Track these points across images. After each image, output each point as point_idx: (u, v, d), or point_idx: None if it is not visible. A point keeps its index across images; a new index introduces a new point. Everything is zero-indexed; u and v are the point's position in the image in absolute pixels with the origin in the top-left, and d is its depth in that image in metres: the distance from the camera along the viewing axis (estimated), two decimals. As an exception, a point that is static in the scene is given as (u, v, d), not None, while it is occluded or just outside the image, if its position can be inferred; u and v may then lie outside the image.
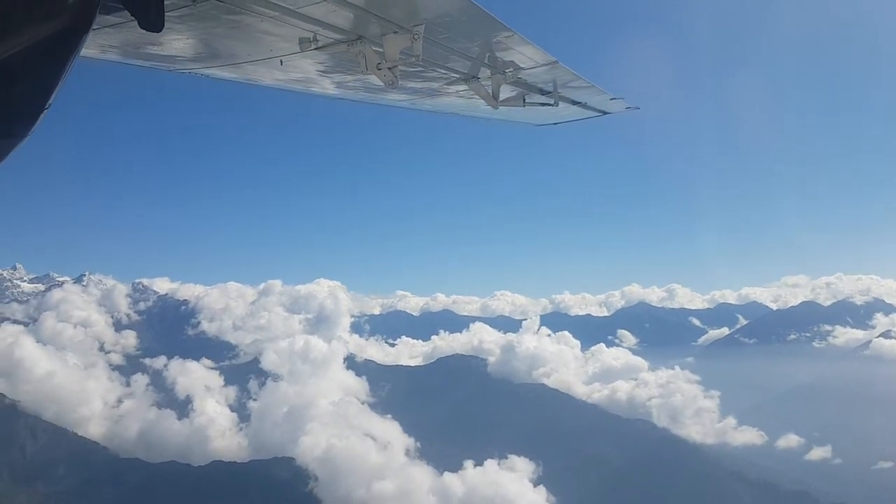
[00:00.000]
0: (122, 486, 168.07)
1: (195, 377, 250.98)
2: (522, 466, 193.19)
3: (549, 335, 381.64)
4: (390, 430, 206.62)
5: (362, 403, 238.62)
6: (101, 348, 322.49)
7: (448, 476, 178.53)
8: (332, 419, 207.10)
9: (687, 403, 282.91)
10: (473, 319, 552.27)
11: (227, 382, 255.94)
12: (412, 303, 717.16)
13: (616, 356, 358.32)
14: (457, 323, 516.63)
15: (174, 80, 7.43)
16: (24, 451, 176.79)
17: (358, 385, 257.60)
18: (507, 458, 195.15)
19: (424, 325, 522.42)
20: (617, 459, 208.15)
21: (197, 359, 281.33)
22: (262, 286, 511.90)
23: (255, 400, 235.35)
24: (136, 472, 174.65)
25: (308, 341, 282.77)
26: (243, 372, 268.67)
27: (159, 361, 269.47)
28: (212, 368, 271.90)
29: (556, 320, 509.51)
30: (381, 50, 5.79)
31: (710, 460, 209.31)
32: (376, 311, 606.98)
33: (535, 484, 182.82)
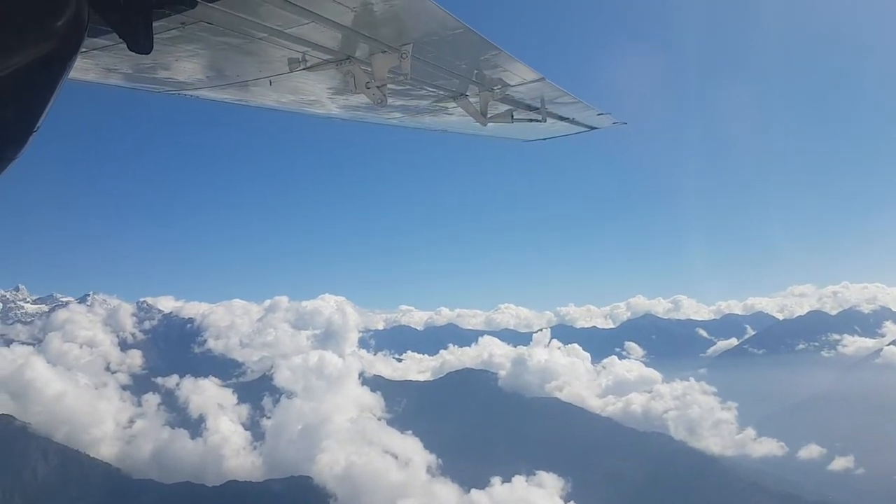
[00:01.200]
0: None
1: (207, 396, 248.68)
2: (551, 483, 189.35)
3: (559, 348, 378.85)
4: (410, 447, 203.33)
5: (378, 420, 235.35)
6: (108, 368, 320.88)
7: (474, 493, 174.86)
8: (350, 436, 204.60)
9: (704, 415, 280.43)
10: (478, 333, 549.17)
11: (240, 400, 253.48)
12: (416, 317, 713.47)
13: (629, 368, 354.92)
14: (462, 337, 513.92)
15: (173, 99, 7.27)
16: (36, 473, 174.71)
17: (373, 401, 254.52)
18: (535, 474, 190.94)
19: (429, 340, 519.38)
20: (636, 473, 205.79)
21: (204, 377, 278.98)
22: (267, 303, 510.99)
23: (268, 418, 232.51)
24: (150, 493, 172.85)
25: (322, 357, 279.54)
26: (255, 389, 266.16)
27: (171, 380, 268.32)
28: (222, 386, 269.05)
29: (562, 333, 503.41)
30: (369, 69, 5.83)
31: (730, 472, 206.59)
32: (380, 326, 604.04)
33: (566, 501, 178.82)
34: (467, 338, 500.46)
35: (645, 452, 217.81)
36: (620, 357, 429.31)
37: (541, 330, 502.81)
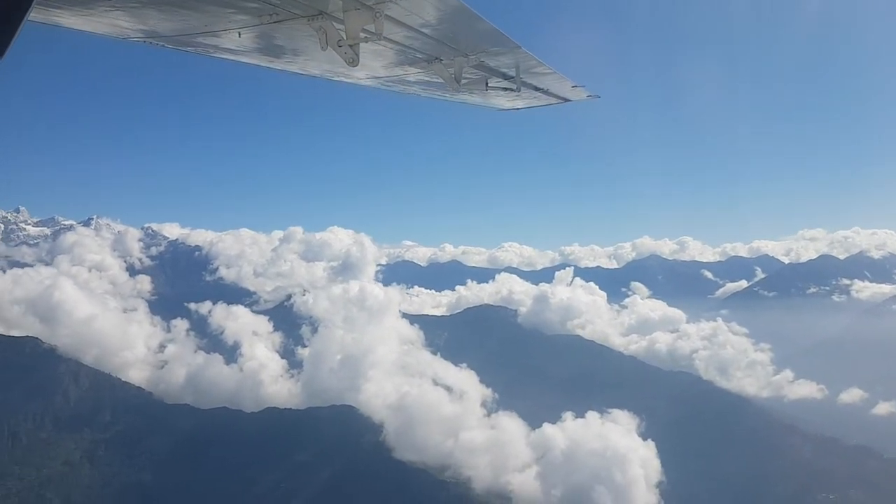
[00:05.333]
0: (173, 433, 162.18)
1: (241, 322, 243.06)
2: (625, 420, 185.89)
3: (581, 286, 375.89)
4: (462, 379, 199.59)
5: (433, 353, 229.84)
6: (117, 292, 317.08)
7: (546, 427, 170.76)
8: (395, 367, 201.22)
9: (736, 356, 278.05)
10: (482, 270, 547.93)
11: (274, 328, 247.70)
12: (419, 253, 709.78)
13: (653, 307, 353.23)
14: (466, 274, 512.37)
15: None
16: (68, 396, 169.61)
17: (413, 333, 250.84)
18: (608, 412, 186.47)
19: (434, 276, 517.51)
20: (665, 412, 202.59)
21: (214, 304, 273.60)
22: (279, 233, 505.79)
23: (305, 346, 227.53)
24: (187, 418, 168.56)
25: (363, 288, 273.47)
26: (287, 318, 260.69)
27: (203, 306, 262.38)
28: (256, 313, 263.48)
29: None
30: (342, 27, 5.71)
31: (765, 414, 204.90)
32: (383, 261, 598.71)
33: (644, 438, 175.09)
34: (471, 275, 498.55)
35: (673, 391, 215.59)
36: (625, 297, 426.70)
37: (563, 268, 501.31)
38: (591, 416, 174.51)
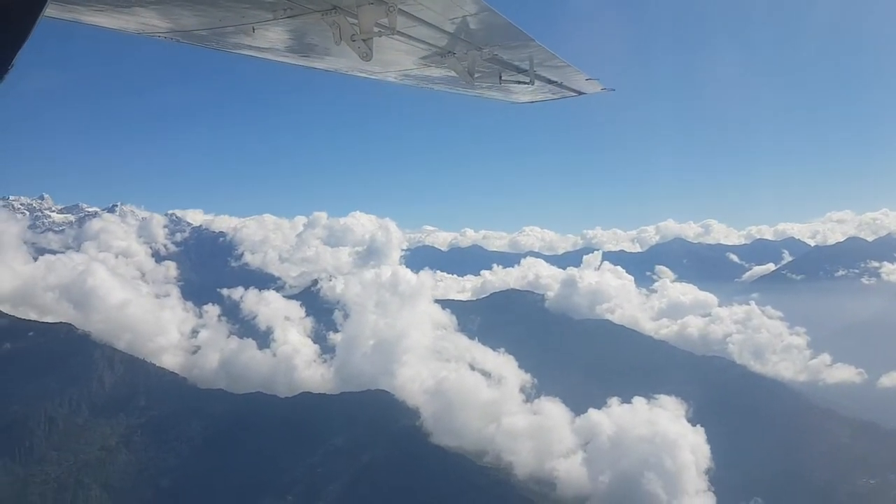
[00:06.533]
0: (207, 418, 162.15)
1: (273, 308, 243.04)
2: (672, 405, 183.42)
3: (609, 270, 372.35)
4: (500, 364, 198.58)
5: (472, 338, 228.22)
6: (144, 278, 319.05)
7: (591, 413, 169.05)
8: (429, 351, 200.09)
9: (771, 340, 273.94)
10: (503, 255, 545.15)
11: (305, 314, 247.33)
12: (440, 238, 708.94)
13: (683, 291, 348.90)
14: (487, 258, 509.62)
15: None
16: (103, 382, 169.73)
17: (446, 318, 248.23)
18: (655, 397, 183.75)
19: (455, 261, 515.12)
20: (698, 396, 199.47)
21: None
22: (302, 218, 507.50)
23: (337, 331, 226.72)
24: (221, 402, 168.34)
25: (395, 272, 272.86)
26: (312, 303, 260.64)
27: (235, 292, 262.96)
28: (288, 299, 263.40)
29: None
30: (356, 21, 5.75)
31: (801, 398, 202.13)
32: (404, 246, 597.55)
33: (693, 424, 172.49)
34: (493, 259, 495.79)
35: (707, 376, 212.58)
36: (650, 281, 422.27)
37: (586, 252, 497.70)
38: (638, 401, 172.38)
